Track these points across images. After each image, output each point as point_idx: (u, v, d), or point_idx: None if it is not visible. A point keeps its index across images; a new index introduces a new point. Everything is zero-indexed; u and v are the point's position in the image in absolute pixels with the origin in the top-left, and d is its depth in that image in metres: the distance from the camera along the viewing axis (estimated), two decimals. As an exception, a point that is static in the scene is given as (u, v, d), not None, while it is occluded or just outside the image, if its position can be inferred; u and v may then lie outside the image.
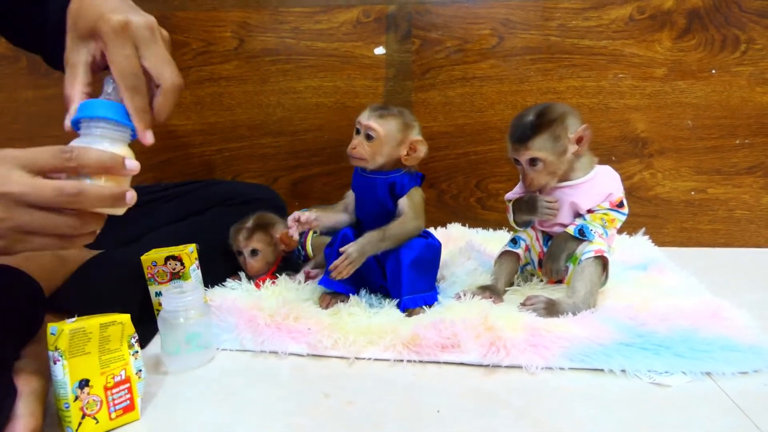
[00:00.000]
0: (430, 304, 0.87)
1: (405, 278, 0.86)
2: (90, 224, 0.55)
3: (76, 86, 0.60)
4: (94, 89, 0.61)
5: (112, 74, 0.58)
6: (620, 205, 0.91)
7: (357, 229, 0.91)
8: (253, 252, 1.01)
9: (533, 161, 0.87)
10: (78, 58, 0.60)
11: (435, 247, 0.91)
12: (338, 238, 0.90)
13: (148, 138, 0.59)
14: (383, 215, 0.87)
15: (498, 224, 1.37)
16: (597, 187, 0.90)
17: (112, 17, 0.57)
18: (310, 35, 1.34)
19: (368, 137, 0.85)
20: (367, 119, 0.86)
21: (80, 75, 0.60)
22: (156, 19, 0.61)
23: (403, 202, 0.86)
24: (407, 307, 0.86)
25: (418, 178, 0.90)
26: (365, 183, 0.89)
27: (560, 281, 0.96)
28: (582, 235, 0.89)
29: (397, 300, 0.88)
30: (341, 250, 0.84)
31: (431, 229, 1.27)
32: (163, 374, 0.76)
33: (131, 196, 0.56)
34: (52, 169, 0.52)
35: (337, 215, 0.93)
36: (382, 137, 0.85)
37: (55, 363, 0.59)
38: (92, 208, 0.54)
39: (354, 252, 0.83)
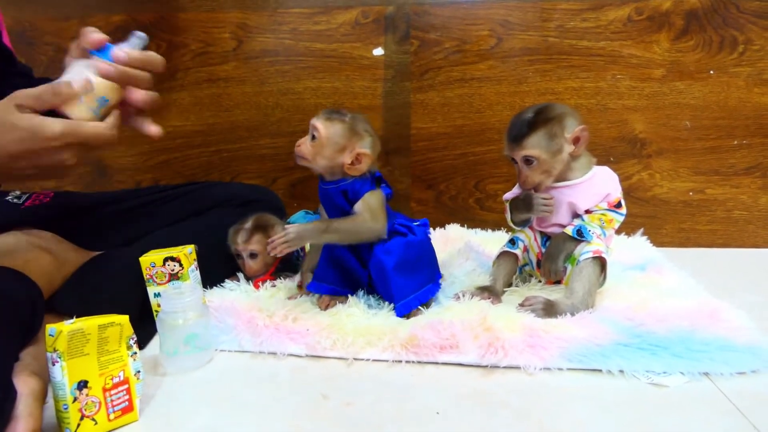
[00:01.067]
0: (427, 301, 0.88)
1: (393, 284, 0.86)
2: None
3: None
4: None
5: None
6: (618, 205, 0.91)
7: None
8: (252, 253, 1.01)
9: (528, 159, 0.87)
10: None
11: (417, 243, 0.90)
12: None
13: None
14: None
15: (496, 225, 1.37)
16: (595, 187, 0.90)
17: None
18: (308, 36, 1.34)
19: (313, 137, 0.86)
20: (315, 119, 0.86)
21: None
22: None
23: (358, 206, 0.86)
24: (403, 313, 0.86)
25: (371, 182, 0.89)
26: (324, 193, 0.89)
27: (558, 282, 0.97)
28: (580, 236, 0.89)
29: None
30: (285, 227, 0.85)
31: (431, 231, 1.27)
32: (161, 375, 0.76)
33: None
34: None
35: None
36: (323, 139, 0.84)
37: (53, 364, 0.59)
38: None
39: (293, 233, 0.83)
